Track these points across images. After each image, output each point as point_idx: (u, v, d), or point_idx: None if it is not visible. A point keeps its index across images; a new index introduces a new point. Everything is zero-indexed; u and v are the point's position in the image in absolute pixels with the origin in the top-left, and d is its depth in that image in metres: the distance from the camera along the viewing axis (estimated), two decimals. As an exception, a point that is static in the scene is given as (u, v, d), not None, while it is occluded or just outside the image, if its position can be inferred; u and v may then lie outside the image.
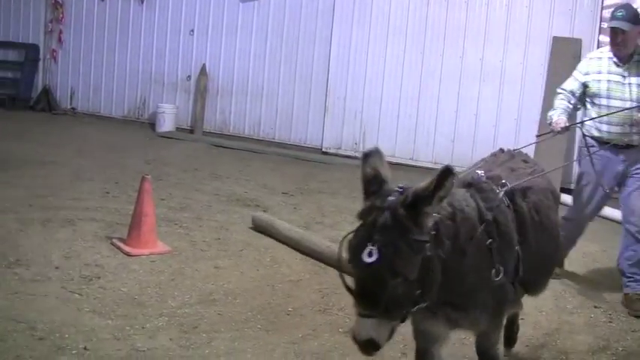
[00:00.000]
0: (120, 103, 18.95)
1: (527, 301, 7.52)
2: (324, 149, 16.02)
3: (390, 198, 3.61)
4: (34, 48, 20.06)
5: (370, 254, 3.47)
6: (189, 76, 17.83)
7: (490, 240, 4.24)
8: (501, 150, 5.71)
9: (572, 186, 12.83)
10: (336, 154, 15.72)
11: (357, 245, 3.57)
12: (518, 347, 6.35)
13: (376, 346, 3.59)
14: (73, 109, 19.62)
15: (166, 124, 17.51)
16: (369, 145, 14.98)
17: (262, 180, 12.62)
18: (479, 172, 4.71)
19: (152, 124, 17.94)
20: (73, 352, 5.66)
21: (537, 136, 7.41)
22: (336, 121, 15.91)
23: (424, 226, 3.62)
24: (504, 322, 5.00)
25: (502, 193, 4.53)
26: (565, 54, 13.31)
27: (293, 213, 10.60)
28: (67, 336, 5.92)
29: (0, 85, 20.50)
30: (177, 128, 17.66)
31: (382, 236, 3.53)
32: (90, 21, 19.22)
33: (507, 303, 4.60)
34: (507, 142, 13.32)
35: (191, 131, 17.58)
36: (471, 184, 4.47)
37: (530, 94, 13.91)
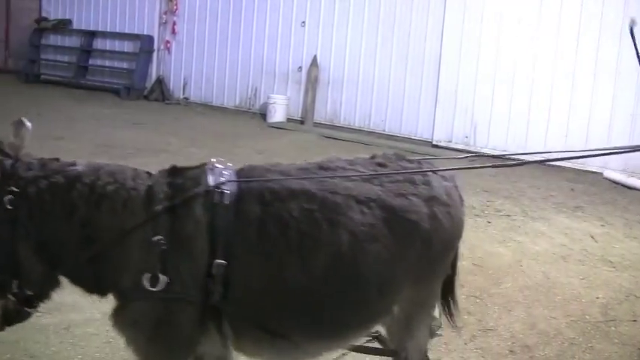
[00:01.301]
0: (232, 94, 19.21)
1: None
2: (434, 142, 15.90)
3: None
4: (148, 39, 20.59)
5: None
6: (300, 67, 17.94)
7: (159, 237, 3.39)
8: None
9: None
10: (446, 147, 15.55)
11: None
12: None
13: None
14: (185, 98, 19.98)
15: (277, 115, 17.67)
16: (480, 139, 14.92)
17: (372, 172, 12.52)
18: (228, 164, 3.75)
19: (263, 115, 18.12)
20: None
21: None
22: (447, 114, 15.78)
23: None
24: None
25: (207, 186, 3.54)
26: (687, 47, 12.87)
27: (402, 205, 10.51)
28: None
29: (116, 75, 21.15)
30: (288, 119, 17.80)
31: None
32: (203, 12, 19.55)
33: (183, 329, 3.55)
34: (622, 137, 13.12)
35: (302, 122, 17.69)
36: (167, 172, 3.74)
37: (648, 89, 13.51)
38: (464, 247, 8.24)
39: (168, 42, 20.30)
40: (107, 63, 21.83)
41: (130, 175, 3.61)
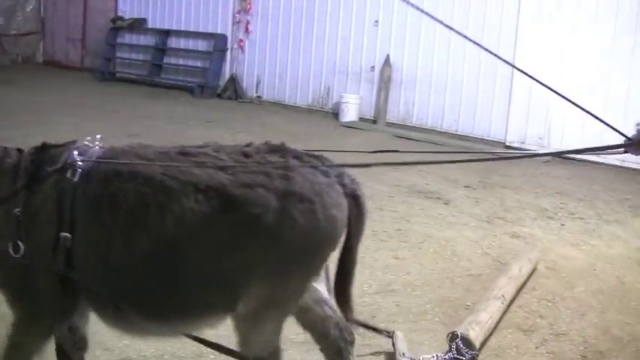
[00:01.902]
0: (304, 93, 19.27)
1: None
2: (507, 143, 15.72)
3: None
4: (222, 38, 20.77)
5: None
6: (372, 67, 17.91)
7: (17, 210, 3.75)
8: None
9: None
10: (519, 148, 15.38)
11: None
12: None
13: None
14: (258, 97, 20.11)
15: (350, 114, 17.67)
16: (554, 140, 14.70)
17: (444, 172, 12.37)
18: (97, 143, 3.98)
19: (335, 114, 18.14)
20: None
21: None
22: (520, 114, 15.56)
23: None
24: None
25: (62, 164, 3.80)
26: None
27: (474, 207, 10.46)
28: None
29: (190, 73, 21.41)
30: (361, 118, 17.77)
31: None
32: (276, 11, 19.65)
33: (40, 296, 3.87)
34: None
35: (374, 122, 17.65)
36: (35, 149, 3.98)
37: None
38: (539, 250, 8.19)
39: (241, 41, 20.46)
40: (181, 61, 22.11)
41: (0, 155, 3.95)
